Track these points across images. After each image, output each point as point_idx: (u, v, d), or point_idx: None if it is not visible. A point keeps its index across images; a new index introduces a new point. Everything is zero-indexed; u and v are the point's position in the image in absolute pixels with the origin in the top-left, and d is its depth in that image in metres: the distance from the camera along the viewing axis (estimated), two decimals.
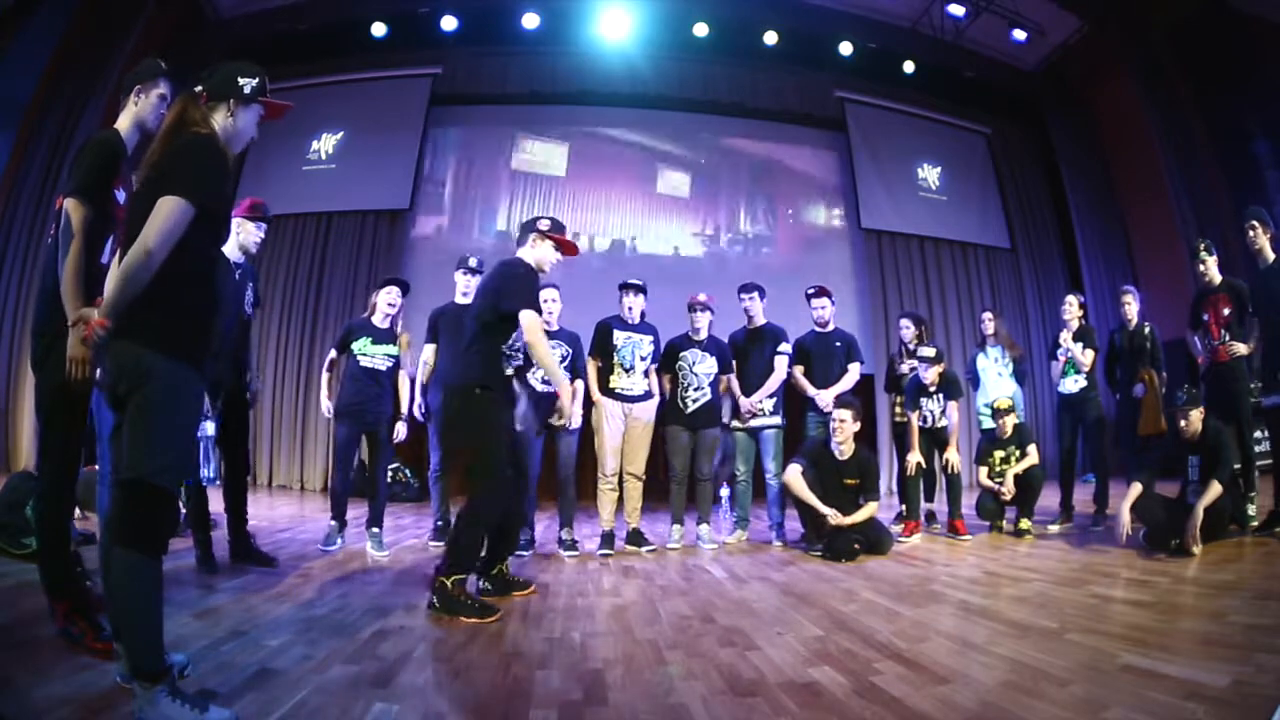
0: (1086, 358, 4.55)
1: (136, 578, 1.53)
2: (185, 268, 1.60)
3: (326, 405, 4.03)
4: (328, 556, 3.60)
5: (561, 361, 3.94)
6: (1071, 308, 4.71)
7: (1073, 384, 4.62)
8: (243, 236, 3.30)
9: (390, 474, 6.54)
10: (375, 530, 3.76)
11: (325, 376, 4.07)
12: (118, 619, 1.60)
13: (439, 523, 4.03)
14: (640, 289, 4.16)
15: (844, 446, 3.95)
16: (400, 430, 3.95)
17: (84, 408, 2.13)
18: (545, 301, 4.04)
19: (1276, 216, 3.88)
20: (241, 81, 1.78)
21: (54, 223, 2.05)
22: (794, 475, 3.93)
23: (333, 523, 3.82)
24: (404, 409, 3.98)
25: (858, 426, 4.01)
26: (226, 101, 1.76)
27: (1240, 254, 3.91)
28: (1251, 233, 3.80)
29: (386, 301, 3.90)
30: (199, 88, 1.76)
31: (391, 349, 3.87)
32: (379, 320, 3.89)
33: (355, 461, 4.19)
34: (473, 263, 4.21)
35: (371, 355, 3.81)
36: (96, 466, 3.00)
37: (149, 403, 1.57)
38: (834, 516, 3.78)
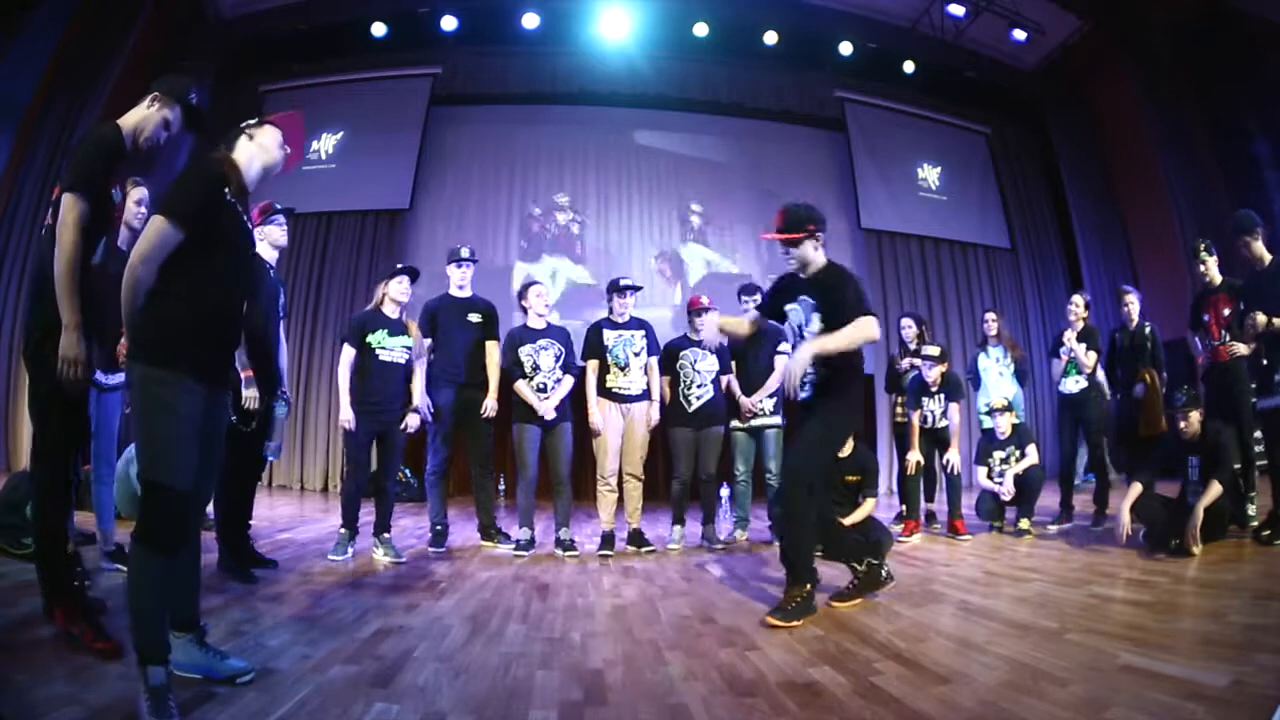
0: (1089, 359, 4.54)
1: (133, 567, 1.65)
2: (165, 283, 1.69)
3: (349, 415, 3.60)
4: (352, 564, 3.47)
5: (556, 361, 3.95)
6: (1077, 308, 4.69)
7: (1074, 384, 4.62)
8: (268, 240, 3.31)
9: None
10: (386, 536, 3.65)
11: (348, 378, 3.63)
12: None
13: (438, 527, 4.01)
14: (629, 289, 4.15)
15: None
16: (413, 422, 3.80)
17: (80, 406, 2.11)
18: (540, 297, 4.05)
19: (1274, 216, 3.86)
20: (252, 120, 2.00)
21: (50, 212, 2.01)
22: None
23: (343, 530, 3.60)
24: (416, 401, 3.83)
25: None
26: (252, 130, 1.96)
27: (1239, 255, 3.88)
28: (1245, 250, 3.76)
29: (399, 291, 3.72)
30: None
31: (407, 340, 3.73)
32: (390, 311, 3.73)
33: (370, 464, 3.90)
34: (465, 253, 4.16)
35: (390, 348, 3.65)
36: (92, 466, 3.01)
37: (135, 409, 1.69)
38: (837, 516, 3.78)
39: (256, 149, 1.92)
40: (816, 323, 2.67)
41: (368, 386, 3.64)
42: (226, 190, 1.79)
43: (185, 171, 1.81)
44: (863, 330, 2.54)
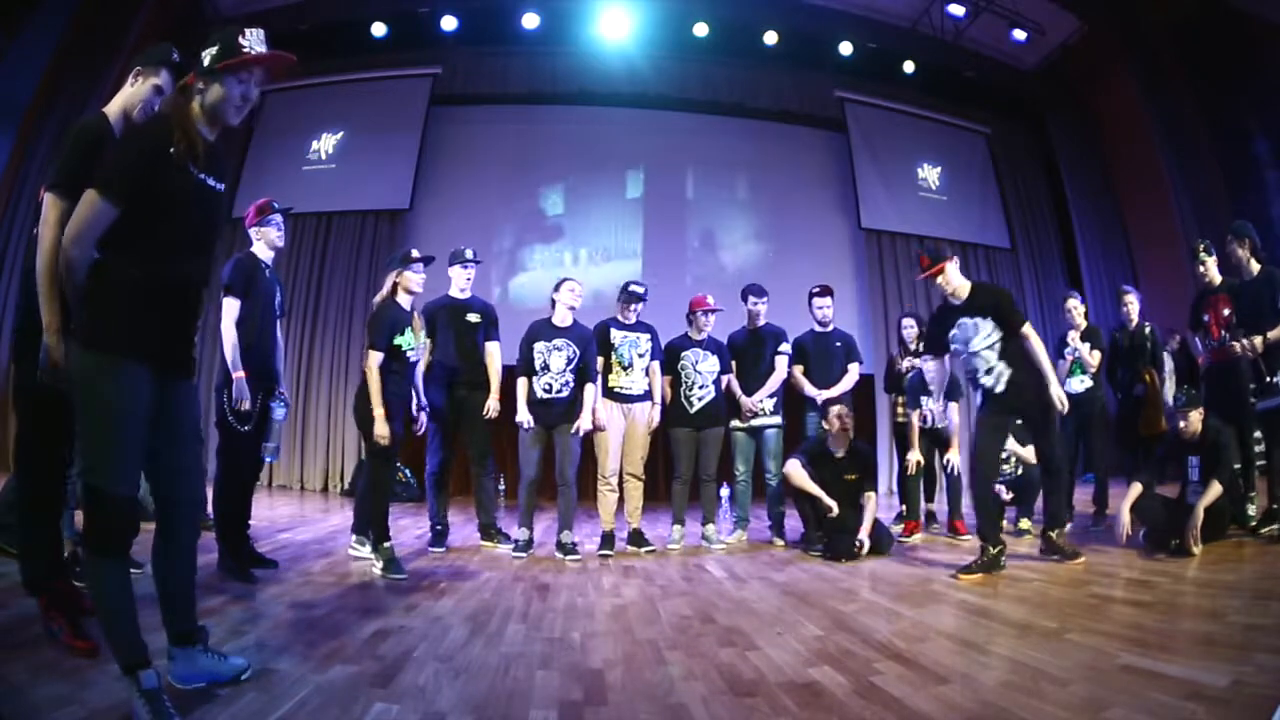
0: (1094, 359, 4.53)
1: (89, 575, 1.62)
2: (104, 257, 1.57)
3: (386, 430, 3.26)
4: (353, 564, 3.45)
5: (568, 365, 3.88)
6: (1076, 311, 4.70)
7: (1079, 384, 4.61)
8: (265, 240, 3.29)
9: None
10: (387, 545, 3.44)
11: (380, 389, 3.27)
12: None
13: (438, 527, 4.00)
14: (641, 297, 4.14)
15: (843, 437, 3.96)
16: (423, 421, 3.73)
17: (65, 404, 2.11)
18: (571, 292, 3.98)
19: (1274, 217, 3.88)
20: (203, 54, 1.71)
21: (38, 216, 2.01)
22: (795, 467, 3.95)
23: (385, 546, 3.24)
24: (421, 400, 3.77)
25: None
26: (200, 79, 1.70)
27: (1232, 254, 3.91)
28: (1235, 252, 3.83)
29: (418, 283, 3.50)
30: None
31: (420, 335, 3.52)
32: (405, 303, 3.48)
33: None
34: (470, 254, 4.14)
35: (415, 348, 3.44)
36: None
37: (75, 405, 1.56)
38: (838, 509, 3.82)
39: (211, 105, 1.69)
40: (989, 329, 3.32)
41: (396, 389, 3.38)
42: (172, 150, 1.59)
43: (122, 137, 1.63)
44: (1036, 340, 3.28)
